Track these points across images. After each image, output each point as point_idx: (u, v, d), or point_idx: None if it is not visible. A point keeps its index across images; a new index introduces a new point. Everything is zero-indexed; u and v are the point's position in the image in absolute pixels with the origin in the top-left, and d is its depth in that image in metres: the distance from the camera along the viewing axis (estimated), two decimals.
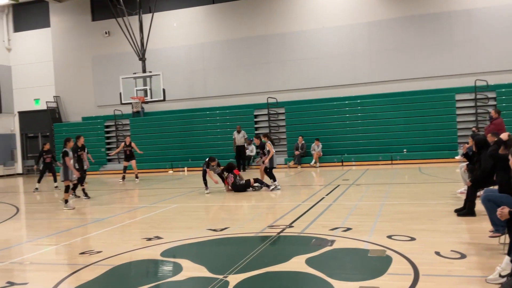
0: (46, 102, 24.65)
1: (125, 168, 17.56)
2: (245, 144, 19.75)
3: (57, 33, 24.97)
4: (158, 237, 7.16)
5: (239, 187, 12.42)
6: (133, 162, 17.18)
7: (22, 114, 25.68)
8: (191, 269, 5.34)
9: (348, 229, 7.01)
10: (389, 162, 18.95)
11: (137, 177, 17.38)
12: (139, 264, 5.90)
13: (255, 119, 21.56)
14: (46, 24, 25.15)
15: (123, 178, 17.44)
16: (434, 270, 4.83)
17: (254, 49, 22.18)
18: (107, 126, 23.55)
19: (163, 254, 6.15)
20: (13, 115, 25.69)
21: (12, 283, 5.26)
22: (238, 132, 19.73)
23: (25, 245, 7.57)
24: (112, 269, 5.59)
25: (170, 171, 20.87)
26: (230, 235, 7.18)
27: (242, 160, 19.57)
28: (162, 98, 20.73)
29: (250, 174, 14.88)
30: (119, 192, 15.08)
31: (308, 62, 21.43)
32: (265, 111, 21.47)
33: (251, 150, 20.11)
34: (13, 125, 25.66)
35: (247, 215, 9.30)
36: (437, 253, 5.42)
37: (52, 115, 24.52)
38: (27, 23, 25.57)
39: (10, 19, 25.68)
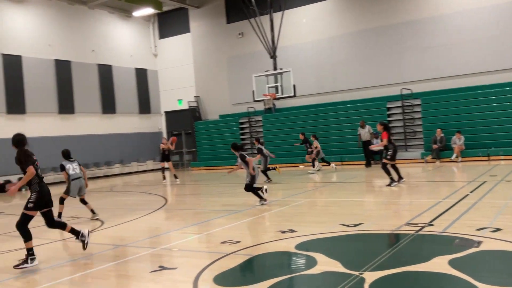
0: (188, 102, 26.79)
1: (163, 169, 18.51)
2: (371, 139, 19.01)
3: (196, 37, 26.93)
4: (292, 230, 7.31)
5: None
6: (169, 164, 17.89)
7: (167, 114, 28.26)
8: (326, 263, 5.35)
9: (498, 229, 6.36)
10: None
11: (176, 177, 18.01)
12: (275, 256, 6.09)
13: (388, 112, 20.70)
14: (186, 29, 27.28)
15: (164, 178, 18.53)
16: None
17: (385, 38, 21.29)
18: (241, 123, 24.70)
19: (298, 247, 6.26)
20: (160, 115, 28.41)
21: (163, 267, 5.84)
22: (362, 127, 19.07)
23: (173, 233, 8.33)
24: (250, 259, 5.87)
25: (301, 166, 21.12)
26: (364, 231, 7.03)
27: (369, 156, 18.84)
28: (292, 94, 21.09)
29: (374, 171, 14.15)
30: None
31: (447, 48, 19.87)
32: (398, 103, 20.50)
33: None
34: (160, 124, 28.39)
35: (382, 211, 9.00)
36: None
37: (193, 114, 26.55)
38: (170, 30, 28.01)
39: (156, 27, 28.39)
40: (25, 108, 21.05)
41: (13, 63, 20.67)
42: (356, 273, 4.87)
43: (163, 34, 28.24)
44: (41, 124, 21.65)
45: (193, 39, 27.06)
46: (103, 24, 25.15)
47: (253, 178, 10.27)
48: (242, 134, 24.63)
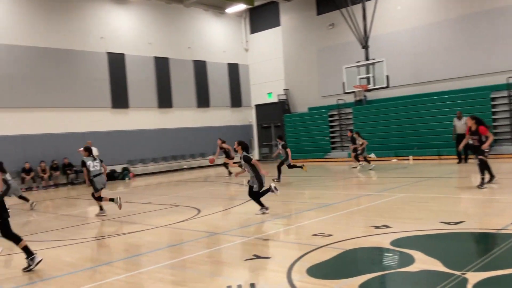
0: (278, 95, 27.02)
1: (226, 165, 18.46)
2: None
3: (286, 31, 27.02)
4: (386, 226, 7.10)
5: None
6: (230, 161, 17.89)
7: (258, 107, 28.75)
8: (424, 262, 5.13)
9: None
10: None
11: (231, 173, 18.22)
12: (369, 251, 5.97)
13: (492, 103, 19.15)
14: (276, 23, 27.46)
15: (230, 173, 18.51)
16: None
17: (489, 23, 19.66)
18: (331, 116, 24.37)
19: (393, 243, 6.07)
20: (251, 108, 28.99)
21: (257, 256, 5.99)
22: (459, 118, 17.72)
23: (264, 224, 8.50)
24: (343, 253, 5.81)
25: (394, 160, 20.36)
26: (466, 229, 6.62)
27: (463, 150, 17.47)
28: (385, 85, 20.34)
29: (471, 166, 13.03)
30: (342, 179, 15.50)
31: None
32: (504, 93, 18.88)
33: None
34: (251, 117, 28.98)
35: (485, 209, 8.40)
36: None
37: (282, 106, 26.75)
38: (261, 25, 28.38)
39: (247, 22, 28.93)
40: (128, 103, 22.64)
41: (117, 61, 22.30)
42: (458, 273, 4.61)
43: (254, 29, 28.70)
44: (142, 118, 23.16)
45: (283, 33, 27.16)
46: (198, 22, 26.17)
47: (261, 184, 9.06)
48: (332, 126, 24.30)
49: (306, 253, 5.84)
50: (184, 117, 25.04)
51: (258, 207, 9.30)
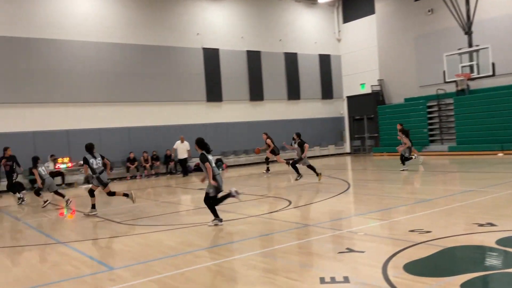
0: (371, 86, 26.21)
1: (267, 160, 18.00)
2: None
3: (381, 18, 26.05)
4: (491, 224, 6.61)
5: None
6: (277, 157, 17.54)
7: (349, 99, 28.13)
8: None
9: None
10: None
11: (268, 170, 17.93)
12: (472, 249, 5.61)
13: None
14: (371, 11, 26.58)
15: (267, 170, 17.94)
16: None
17: None
18: (429, 107, 23.11)
19: (499, 242, 5.64)
20: (342, 100, 28.45)
21: (351, 250, 5.91)
22: None
23: (357, 217, 8.34)
24: (443, 250, 5.51)
25: (500, 154, 18.81)
26: None
27: None
28: (490, 73, 18.84)
29: None
30: (441, 173, 14.68)
31: None
32: None
33: None
34: (342, 109, 28.45)
35: None
36: None
37: (376, 98, 25.90)
38: (354, 13, 27.64)
39: (340, 11, 28.34)
40: (222, 96, 23.40)
41: (212, 56, 23.10)
42: None
43: (347, 18, 28.06)
44: (235, 111, 23.81)
45: (378, 20, 26.22)
46: (289, 14, 26.20)
47: (217, 190, 8.19)
48: (430, 118, 23.04)
49: (403, 249, 5.63)
50: (275, 109, 25.28)
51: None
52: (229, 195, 8.31)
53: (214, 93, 23.06)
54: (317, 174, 13.77)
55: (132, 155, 19.92)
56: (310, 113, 26.61)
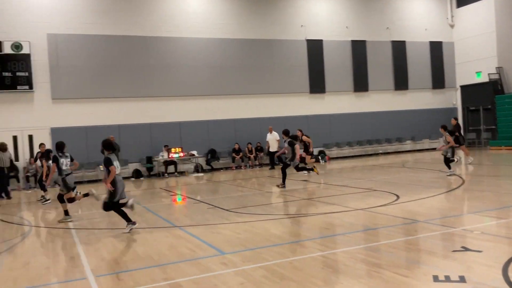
0: (488, 74, 24.13)
1: (304, 160, 15.57)
2: None
3: (500, 1, 23.80)
4: None
5: None
6: (308, 156, 15.58)
7: (463, 88, 26.19)
8: None
9: None
10: None
11: (309, 170, 15.38)
12: None
13: None
14: None
15: (308, 170, 15.49)
16: None
17: None
18: None
19: None
20: (455, 90, 26.59)
21: (466, 248, 5.58)
22: None
23: (471, 215, 7.82)
24: None
25: None
26: None
27: None
28: None
29: None
30: None
31: None
32: None
33: None
34: (455, 99, 26.60)
35: None
36: None
37: (494, 87, 23.81)
38: None
39: None
40: (325, 88, 23.20)
41: (315, 47, 22.96)
42: None
43: (461, 2, 26.09)
44: (338, 102, 23.47)
45: (496, 4, 23.97)
46: (397, 0, 25.07)
47: (112, 196, 7.92)
48: None
49: None
50: (380, 100, 24.45)
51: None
52: (125, 204, 8.07)
53: (317, 84, 22.96)
54: (312, 169, 13.46)
55: (237, 146, 20.64)
56: (419, 103, 25.31)
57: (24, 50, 17.51)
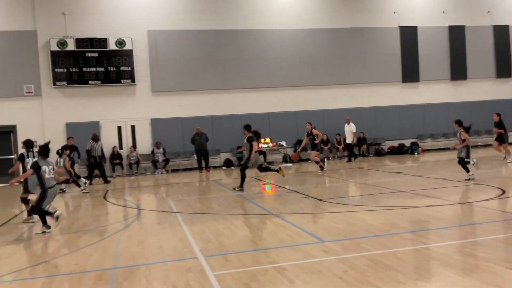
0: None
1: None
2: None
3: None
4: None
5: None
6: (312, 153, 15.35)
7: None
8: None
9: None
10: None
11: (322, 168, 15.20)
12: None
13: None
14: None
15: (321, 168, 15.23)
16: None
17: None
18: None
19: None
20: None
21: None
22: None
23: None
24: None
25: None
26: None
27: None
28: None
29: None
30: None
31: None
32: None
33: None
34: None
35: None
36: None
37: None
38: None
39: None
40: (419, 77, 22.22)
41: (409, 34, 22.02)
42: None
43: None
44: (432, 91, 22.37)
45: None
46: None
47: (40, 199, 7.79)
48: None
49: None
50: (480, 89, 22.92)
51: None
52: (50, 213, 7.90)
53: (410, 73, 22.09)
54: (278, 171, 11.92)
55: (325, 137, 20.53)
56: None
57: (127, 46, 18.82)
